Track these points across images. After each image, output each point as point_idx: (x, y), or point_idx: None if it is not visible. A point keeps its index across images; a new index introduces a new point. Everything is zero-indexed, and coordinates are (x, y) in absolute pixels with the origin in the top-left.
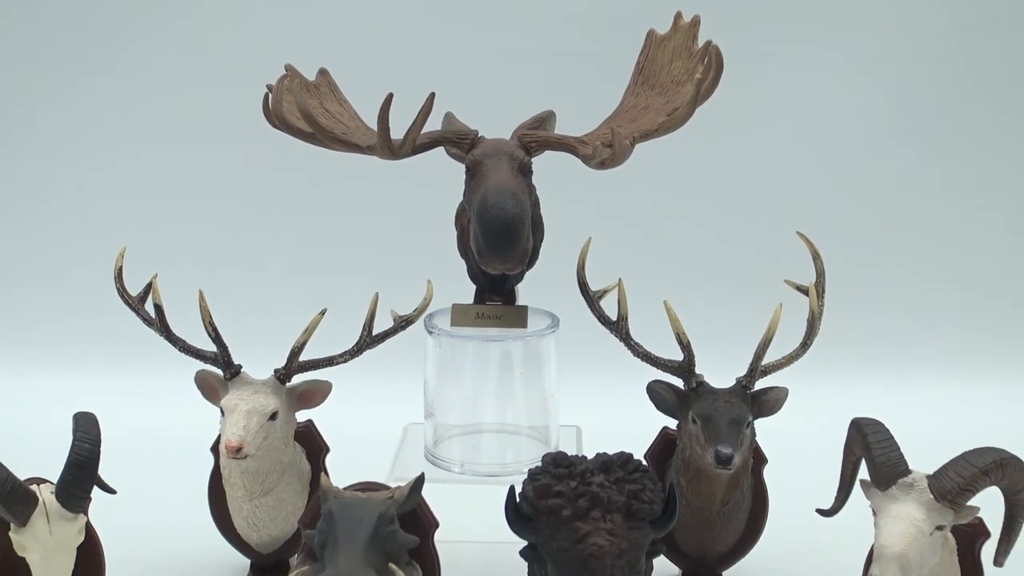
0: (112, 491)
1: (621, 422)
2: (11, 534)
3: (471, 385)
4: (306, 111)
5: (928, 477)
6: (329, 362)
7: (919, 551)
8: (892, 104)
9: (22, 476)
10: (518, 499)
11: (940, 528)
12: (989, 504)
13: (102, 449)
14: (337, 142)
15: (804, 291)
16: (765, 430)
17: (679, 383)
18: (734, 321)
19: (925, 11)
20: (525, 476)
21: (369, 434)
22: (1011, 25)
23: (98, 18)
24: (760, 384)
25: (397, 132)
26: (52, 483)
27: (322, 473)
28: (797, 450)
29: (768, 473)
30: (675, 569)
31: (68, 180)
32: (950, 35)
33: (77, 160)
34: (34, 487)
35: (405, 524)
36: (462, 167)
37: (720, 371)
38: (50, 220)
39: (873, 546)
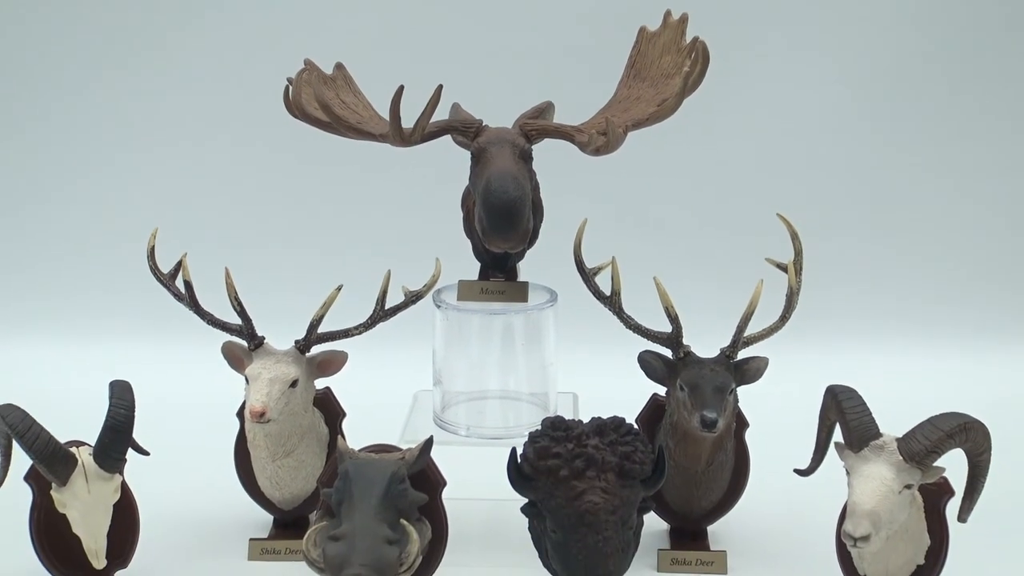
0: (146, 453)
1: (614, 389)
2: (52, 492)
3: (476, 355)
4: (323, 102)
5: (897, 440)
6: (345, 334)
7: (889, 508)
8: (864, 93)
9: (62, 439)
10: (519, 460)
11: (908, 487)
12: (954, 465)
13: (136, 414)
14: (352, 130)
15: (783, 268)
16: (747, 396)
17: (668, 353)
18: (719, 296)
19: (891, 9)
20: (526, 439)
21: (382, 400)
22: (969, 20)
23: (141, 19)
24: (743, 354)
25: (408, 121)
26: (90, 446)
27: (339, 436)
28: (776, 415)
29: (750, 436)
30: (664, 524)
31: (107, 164)
32: (916, 29)
33: (117, 147)
34: (73, 449)
35: (415, 483)
36: (468, 154)
37: (705, 342)
38: (90, 202)
39: (846, 503)
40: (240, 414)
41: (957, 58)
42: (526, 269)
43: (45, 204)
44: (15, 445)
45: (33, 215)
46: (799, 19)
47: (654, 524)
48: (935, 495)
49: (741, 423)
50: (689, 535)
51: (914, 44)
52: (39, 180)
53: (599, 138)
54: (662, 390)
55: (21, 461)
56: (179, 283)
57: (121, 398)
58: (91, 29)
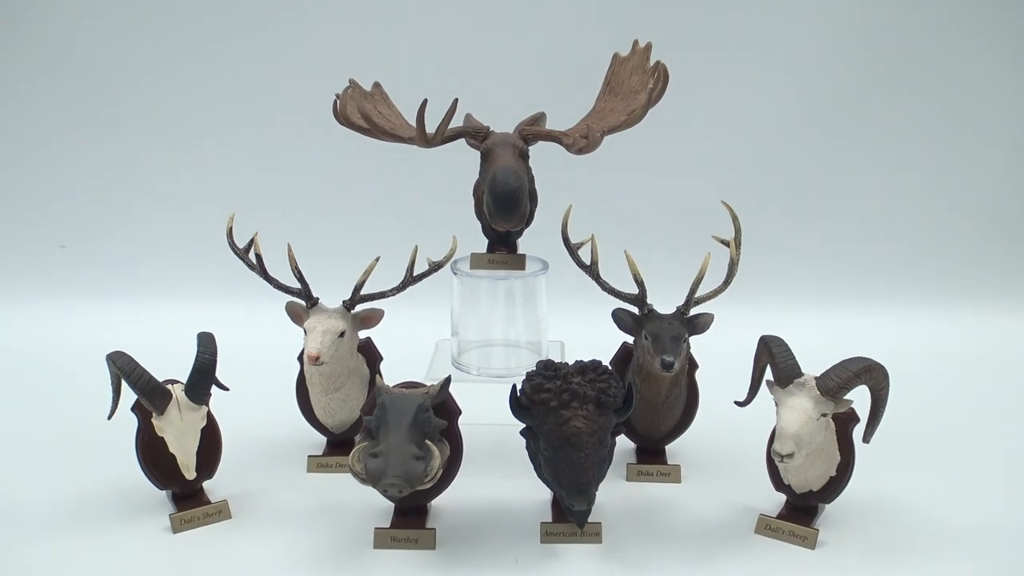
0: (226, 388)
1: (593, 338)
2: (153, 420)
3: (485, 312)
4: (364, 113)
5: (816, 378)
6: (382, 295)
7: (809, 432)
8: (796, 101)
9: (160, 378)
10: (519, 394)
11: (824, 415)
12: (860, 398)
13: (218, 358)
14: (387, 135)
15: (726, 243)
16: (698, 344)
17: (635, 310)
18: (676, 265)
19: (822, 25)
20: (524, 377)
21: (411, 347)
22: (888, 31)
23: (218, 36)
24: (694, 311)
25: (430, 127)
26: (182, 383)
27: (377, 375)
28: (721, 359)
29: (700, 375)
30: (632, 444)
31: (196, 158)
32: (839, 43)
33: (204, 142)
34: (169, 386)
35: (437, 412)
36: (478, 153)
37: (665, 301)
38: (181, 190)
39: (775, 428)
40: (300, 358)
41: (874, 67)
42: (524, 244)
43: (149, 193)
44: (123, 384)
45: (138, 201)
46: (741, 40)
47: (624, 444)
48: (845, 422)
49: (692, 365)
50: (651, 452)
51: (836, 58)
52: (147, 175)
53: (581, 141)
54: (630, 339)
55: (128, 396)
56: (251, 256)
57: (207, 345)
58: (179, 48)
